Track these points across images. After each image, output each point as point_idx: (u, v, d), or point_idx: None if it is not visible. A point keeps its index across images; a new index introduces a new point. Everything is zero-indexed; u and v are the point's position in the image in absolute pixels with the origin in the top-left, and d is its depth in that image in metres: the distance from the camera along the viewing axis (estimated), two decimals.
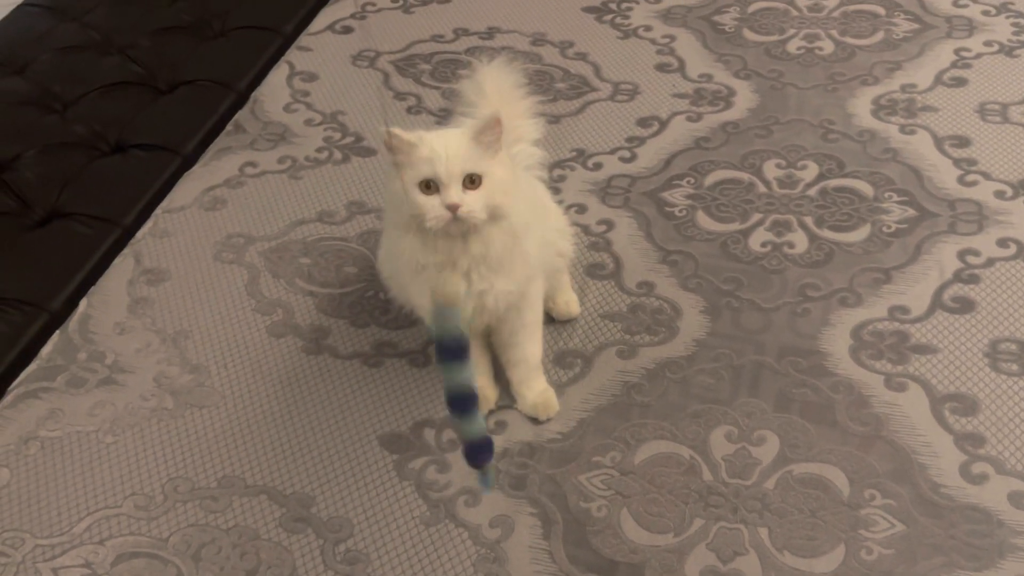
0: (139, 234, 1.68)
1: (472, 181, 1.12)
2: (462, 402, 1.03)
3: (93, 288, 1.59)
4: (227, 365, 1.46)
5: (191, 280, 1.59)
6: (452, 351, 1.01)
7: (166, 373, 1.45)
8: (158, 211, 1.71)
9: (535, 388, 1.35)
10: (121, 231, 1.68)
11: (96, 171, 1.78)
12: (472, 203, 1.12)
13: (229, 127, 1.88)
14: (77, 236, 1.66)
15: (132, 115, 1.89)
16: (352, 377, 1.43)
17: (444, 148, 1.12)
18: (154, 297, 1.57)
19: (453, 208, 1.11)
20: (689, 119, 1.80)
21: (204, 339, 1.50)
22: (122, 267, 1.62)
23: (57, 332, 1.53)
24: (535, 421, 1.34)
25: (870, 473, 1.24)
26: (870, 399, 1.32)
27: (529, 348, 1.34)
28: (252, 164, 1.79)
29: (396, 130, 1.13)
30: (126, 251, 1.65)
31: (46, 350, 1.50)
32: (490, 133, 1.13)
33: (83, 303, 1.57)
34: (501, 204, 1.14)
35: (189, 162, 1.81)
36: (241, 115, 1.90)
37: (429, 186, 1.12)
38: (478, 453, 1.07)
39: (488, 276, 1.20)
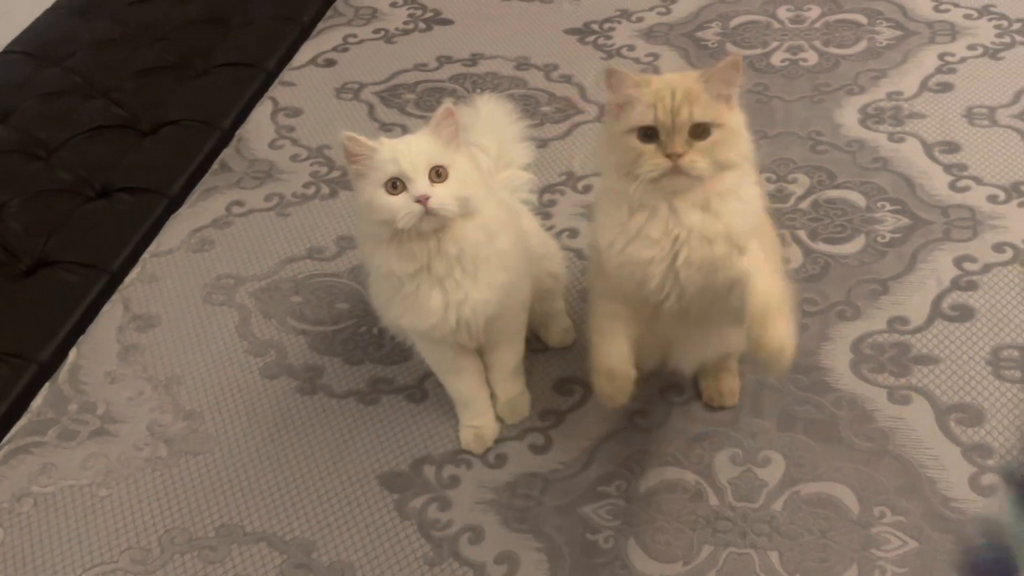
0: (127, 280, 1.66)
1: (438, 174, 1.11)
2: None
3: (82, 337, 1.57)
4: (221, 410, 1.44)
5: (181, 324, 1.57)
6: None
7: (159, 421, 1.43)
8: (145, 255, 1.69)
9: (508, 391, 1.36)
10: (109, 277, 1.66)
11: (82, 217, 1.76)
12: (441, 194, 1.10)
13: (215, 166, 1.86)
14: (64, 284, 1.64)
15: (117, 158, 1.88)
16: (348, 416, 1.40)
17: (405, 145, 1.12)
18: (144, 343, 1.55)
19: (423, 199, 1.09)
20: None
21: (197, 384, 1.48)
22: (111, 314, 1.60)
23: (47, 384, 1.50)
24: (502, 422, 1.35)
25: (879, 490, 1.22)
26: (874, 414, 1.30)
27: (506, 353, 1.33)
28: (239, 203, 1.77)
29: (354, 135, 1.12)
30: (115, 298, 1.63)
31: (36, 403, 1.47)
32: (446, 125, 1.13)
33: (72, 353, 1.55)
34: (471, 196, 1.13)
35: (176, 204, 1.79)
36: (227, 154, 1.88)
37: (395, 185, 1.10)
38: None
39: (464, 283, 1.17)
